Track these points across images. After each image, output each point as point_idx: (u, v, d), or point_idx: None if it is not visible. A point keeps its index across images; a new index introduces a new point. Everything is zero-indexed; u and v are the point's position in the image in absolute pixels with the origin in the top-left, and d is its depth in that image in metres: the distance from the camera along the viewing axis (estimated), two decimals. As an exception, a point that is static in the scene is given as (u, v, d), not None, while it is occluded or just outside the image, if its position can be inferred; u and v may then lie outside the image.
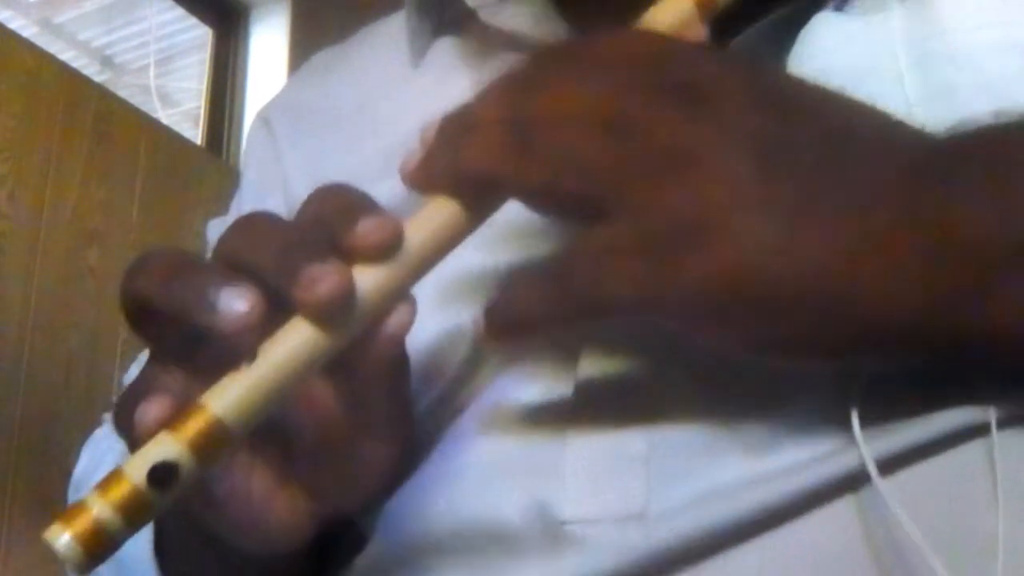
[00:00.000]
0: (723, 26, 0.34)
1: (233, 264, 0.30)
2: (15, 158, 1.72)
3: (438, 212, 0.31)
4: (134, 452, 0.28)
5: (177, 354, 0.31)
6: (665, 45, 0.31)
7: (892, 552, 0.29)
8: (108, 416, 0.55)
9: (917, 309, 0.27)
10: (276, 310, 0.29)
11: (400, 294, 0.31)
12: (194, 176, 2.11)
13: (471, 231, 0.32)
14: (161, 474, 0.27)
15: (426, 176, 0.32)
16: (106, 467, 0.48)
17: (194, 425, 0.28)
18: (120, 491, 0.27)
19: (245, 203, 0.53)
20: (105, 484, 0.27)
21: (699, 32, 0.33)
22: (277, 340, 0.29)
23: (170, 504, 0.28)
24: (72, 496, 0.50)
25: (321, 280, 0.28)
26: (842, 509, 0.30)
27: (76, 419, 1.68)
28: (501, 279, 0.37)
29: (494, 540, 0.34)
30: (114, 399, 0.35)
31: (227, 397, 0.29)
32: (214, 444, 0.28)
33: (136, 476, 0.27)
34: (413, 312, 0.31)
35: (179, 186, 2.05)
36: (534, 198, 0.31)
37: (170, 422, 0.28)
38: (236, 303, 0.28)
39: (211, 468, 0.29)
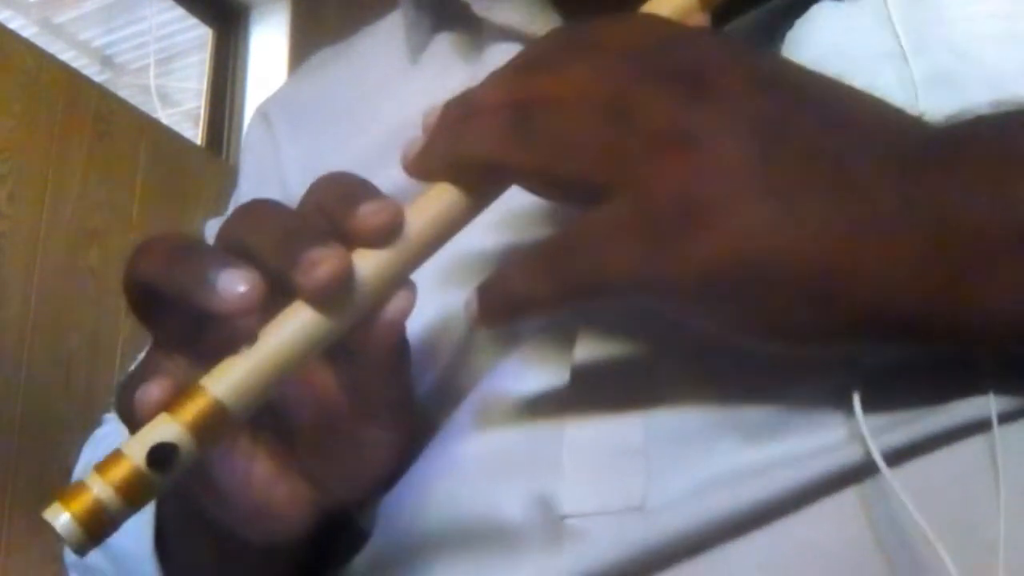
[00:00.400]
0: (718, 14, 0.34)
1: (234, 249, 0.30)
2: (15, 158, 1.72)
3: (439, 197, 0.31)
4: (134, 434, 0.28)
5: (179, 340, 0.31)
6: (667, 30, 0.32)
7: (898, 544, 0.29)
8: (108, 416, 0.55)
9: (915, 295, 0.27)
10: (277, 295, 0.29)
11: (400, 279, 0.31)
12: (194, 176, 2.11)
13: (473, 217, 0.32)
14: (161, 455, 0.28)
15: (427, 163, 0.32)
16: None
17: (194, 407, 0.28)
18: (120, 471, 0.27)
19: (243, 199, 0.53)
20: (105, 464, 0.28)
21: (700, 22, 0.33)
22: (277, 323, 0.29)
23: (169, 485, 0.28)
24: None
25: (321, 263, 0.29)
26: (846, 501, 0.30)
27: (76, 419, 1.68)
28: (498, 261, 0.37)
29: (494, 534, 0.34)
30: (114, 399, 0.35)
31: (227, 379, 0.29)
32: (214, 426, 0.28)
33: (136, 456, 0.28)
34: (413, 298, 0.31)
35: (179, 186, 2.06)
36: (534, 181, 0.31)
37: (170, 404, 0.28)
38: (236, 284, 0.28)
39: (211, 450, 0.29)
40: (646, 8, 0.33)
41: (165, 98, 2.50)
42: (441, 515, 0.36)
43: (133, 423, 0.29)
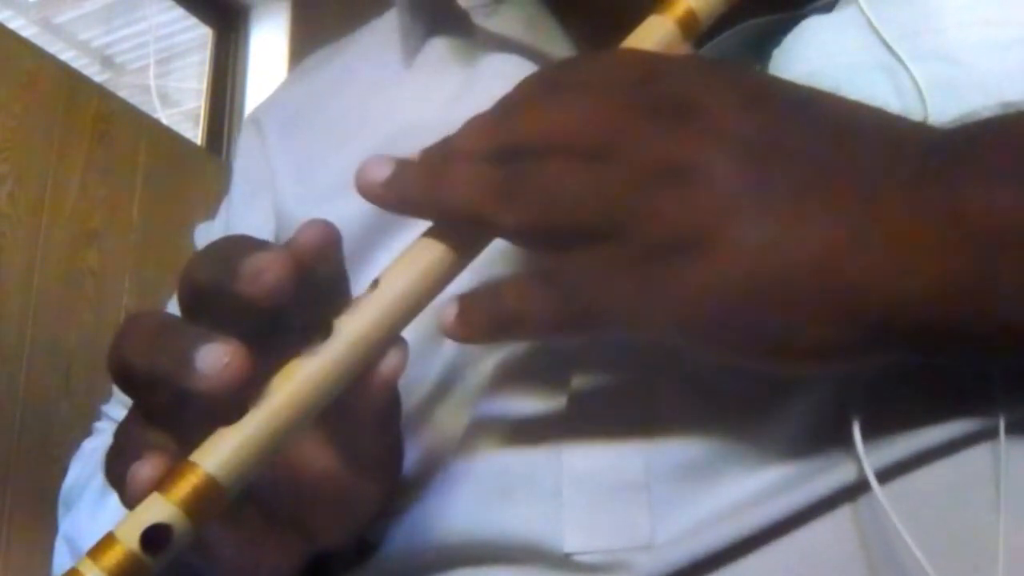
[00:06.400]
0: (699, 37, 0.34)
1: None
2: (15, 158, 1.72)
3: (422, 256, 0.31)
4: (129, 510, 0.28)
5: (167, 415, 0.30)
6: (649, 62, 0.31)
7: (888, 561, 0.29)
8: (99, 425, 0.55)
9: (927, 301, 0.26)
10: (271, 353, 0.29)
11: (392, 337, 0.30)
12: (194, 176, 2.11)
13: (459, 271, 0.32)
14: (154, 537, 0.27)
15: (399, 197, 0.31)
16: (94, 486, 0.47)
17: (186, 485, 0.27)
18: (114, 556, 0.27)
19: (234, 206, 0.53)
20: (98, 549, 0.27)
21: (683, 51, 0.33)
22: (267, 393, 0.29)
23: (165, 564, 0.27)
24: (62, 510, 0.50)
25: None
26: (839, 519, 0.30)
27: (76, 419, 1.68)
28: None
29: (498, 558, 0.34)
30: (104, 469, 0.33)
31: (219, 454, 0.28)
32: (207, 503, 0.28)
33: (129, 540, 0.27)
34: (406, 355, 0.31)
35: (179, 186, 2.05)
36: (525, 237, 0.30)
37: (162, 482, 0.28)
38: (216, 359, 0.27)
39: (205, 526, 0.28)
40: (628, 42, 0.33)
41: (165, 98, 2.50)
42: (443, 537, 0.35)
43: (125, 501, 0.28)
